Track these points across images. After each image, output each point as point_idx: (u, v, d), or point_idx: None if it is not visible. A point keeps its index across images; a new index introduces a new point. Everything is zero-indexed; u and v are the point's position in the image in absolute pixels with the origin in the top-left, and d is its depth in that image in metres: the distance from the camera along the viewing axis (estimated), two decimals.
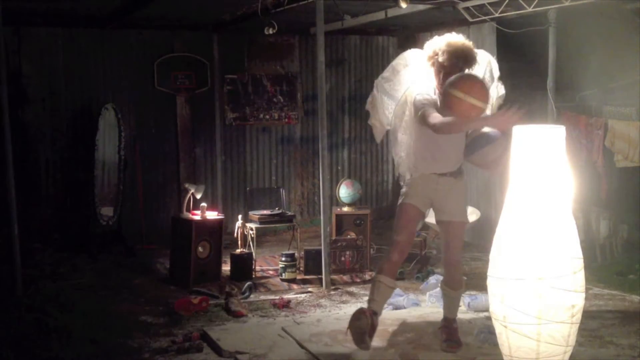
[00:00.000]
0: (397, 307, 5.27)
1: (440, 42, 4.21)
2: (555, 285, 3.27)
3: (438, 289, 5.38)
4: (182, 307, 5.27)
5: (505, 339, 3.41)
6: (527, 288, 3.28)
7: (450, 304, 4.46)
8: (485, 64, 4.49)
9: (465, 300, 5.12)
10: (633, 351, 4.36)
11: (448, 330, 4.39)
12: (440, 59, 4.17)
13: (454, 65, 4.15)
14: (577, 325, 3.40)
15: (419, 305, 5.33)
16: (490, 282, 3.49)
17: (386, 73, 4.51)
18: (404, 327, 4.75)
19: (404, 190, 4.42)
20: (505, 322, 3.37)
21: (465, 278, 4.69)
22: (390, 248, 4.39)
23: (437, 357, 4.22)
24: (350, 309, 5.35)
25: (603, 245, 6.62)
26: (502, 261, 3.40)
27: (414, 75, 4.41)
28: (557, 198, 3.33)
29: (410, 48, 4.62)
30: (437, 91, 4.26)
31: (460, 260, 4.44)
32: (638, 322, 4.96)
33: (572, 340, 3.41)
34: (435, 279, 5.55)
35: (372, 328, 4.19)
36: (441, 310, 4.60)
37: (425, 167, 4.32)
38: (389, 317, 4.94)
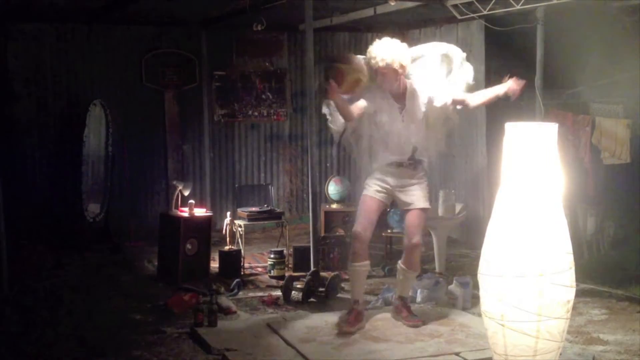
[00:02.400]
0: (387, 303, 5.28)
1: (376, 50, 4.54)
2: (555, 281, 3.29)
3: (427, 282, 5.41)
4: (175, 305, 5.25)
5: (501, 337, 3.39)
6: (528, 285, 3.28)
7: (406, 284, 4.84)
8: (439, 59, 4.78)
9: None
10: (619, 347, 4.40)
11: (406, 307, 4.78)
12: (378, 63, 4.51)
13: (391, 69, 4.52)
14: (569, 321, 3.43)
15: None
16: (484, 280, 3.47)
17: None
18: (392, 322, 4.76)
19: (365, 181, 4.78)
20: (503, 321, 3.36)
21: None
22: (352, 240, 4.73)
23: (429, 349, 4.24)
24: (338, 305, 5.35)
25: (590, 242, 6.66)
26: (498, 259, 3.38)
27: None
28: (551, 194, 3.35)
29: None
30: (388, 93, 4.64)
31: (420, 244, 4.73)
32: (624, 318, 5.00)
33: (565, 335, 3.43)
34: (428, 277, 5.57)
35: (357, 315, 4.60)
36: (432, 306, 4.87)
37: (382, 158, 4.67)
38: (377, 313, 4.96)
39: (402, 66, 4.55)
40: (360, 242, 4.67)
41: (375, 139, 4.72)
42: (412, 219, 4.71)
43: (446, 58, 4.79)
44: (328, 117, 4.94)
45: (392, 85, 4.61)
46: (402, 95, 4.65)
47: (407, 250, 4.74)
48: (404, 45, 4.64)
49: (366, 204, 4.72)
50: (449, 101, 4.67)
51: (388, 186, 4.69)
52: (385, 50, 4.53)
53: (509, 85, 4.64)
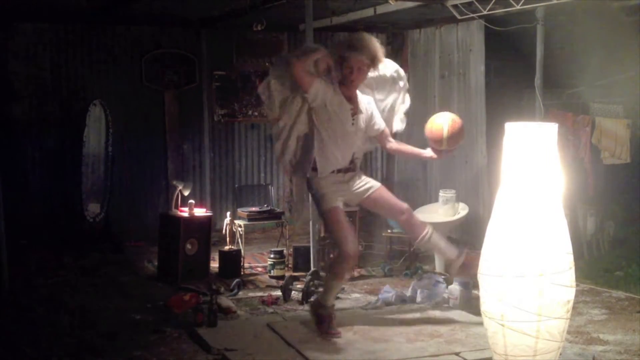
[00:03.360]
0: (387, 304, 5.28)
1: (358, 41, 4.45)
2: (555, 281, 3.29)
3: (426, 282, 5.41)
4: (175, 305, 5.25)
5: (501, 337, 3.39)
6: (528, 285, 3.28)
7: (441, 245, 4.70)
8: (389, 79, 4.74)
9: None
10: (619, 347, 4.40)
11: (462, 256, 4.65)
12: (370, 60, 4.43)
13: (365, 65, 4.43)
14: (569, 321, 3.43)
15: (406, 301, 5.34)
16: (484, 281, 3.47)
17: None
18: (392, 322, 4.76)
19: (319, 194, 4.54)
20: (503, 321, 3.36)
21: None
22: (345, 260, 4.47)
23: (429, 349, 4.24)
24: (338, 305, 5.34)
25: (590, 242, 6.66)
26: (499, 259, 3.38)
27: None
28: (550, 194, 3.35)
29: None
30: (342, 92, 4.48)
31: (407, 207, 4.66)
32: (624, 318, 5.00)
33: (565, 335, 3.44)
34: (428, 277, 5.57)
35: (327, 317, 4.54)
36: (429, 308, 4.86)
37: (330, 166, 4.50)
38: (379, 312, 4.96)
39: (369, 67, 4.47)
40: (355, 260, 4.60)
41: (321, 149, 4.45)
42: (383, 195, 4.66)
43: (393, 80, 4.72)
44: (265, 99, 4.51)
45: (356, 85, 4.48)
46: (354, 100, 4.51)
47: (406, 222, 4.66)
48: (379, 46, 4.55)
49: (339, 217, 4.49)
50: (381, 129, 4.64)
51: (344, 192, 4.59)
52: (379, 49, 4.46)
53: (431, 155, 4.64)
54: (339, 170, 4.54)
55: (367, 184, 4.66)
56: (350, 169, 4.61)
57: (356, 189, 4.64)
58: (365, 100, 4.61)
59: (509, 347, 3.37)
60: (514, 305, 3.30)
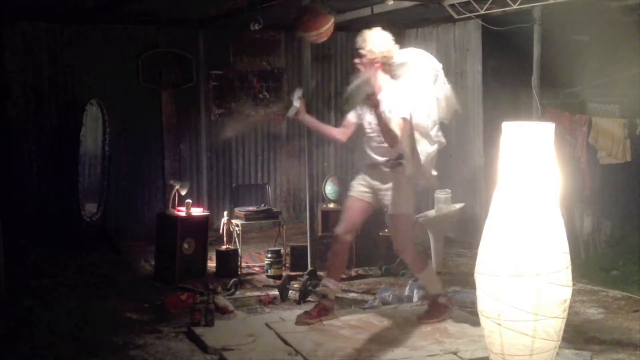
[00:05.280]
0: (384, 303, 5.28)
1: (365, 36, 4.59)
2: (551, 281, 3.29)
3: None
4: (172, 304, 5.25)
5: (498, 337, 3.39)
6: (524, 284, 3.28)
7: (425, 285, 4.87)
8: (423, 68, 4.67)
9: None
10: (616, 346, 4.40)
11: (430, 305, 4.80)
12: (363, 51, 4.57)
13: (373, 60, 4.55)
14: (566, 320, 3.43)
15: (404, 301, 5.35)
16: (481, 280, 3.48)
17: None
18: (390, 322, 4.77)
19: (351, 183, 4.80)
20: (500, 320, 3.36)
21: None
22: (333, 242, 4.84)
23: (429, 349, 4.25)
24: (335, 305, 5.35)
25: (587, 242, 6.67)
26: (495, 258, 3.39)
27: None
28: (547, 194, 3.35)
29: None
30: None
31: (405, 248, 4.69)
32: (621, 317, 5.01)
33: (561, 334, 3.44)
34: None
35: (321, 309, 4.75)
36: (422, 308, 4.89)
37: (363, 158, 4.69)
38: (376, 312, 4.96)
39: (383, 59, 4.51)
40: (339, 244, 4.72)
41: (357, 142, 4.76)
42: (392, 225, 4.76)
43: (427, 69, 4.68)
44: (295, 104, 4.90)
45: (370, 78, 4.50)
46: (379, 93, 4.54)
47: (400, 256, 4.82)
48: (392, 42, 4.58)
49: (349, 205, 4.73)
50: (396, 116, 4.50)
51: (370, 187, 4.68)
52: (373, 39, 4.54)
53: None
54: (370, 165, 4.65)
55: (388, 200, 4.61)
56: (380, 167, 4.60)
57: (379, 193, 4.65)
58: (392, 92, 4.54)
59: (506, 347, 3.38)
60: (511, 304, 3.30)
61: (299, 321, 4.68)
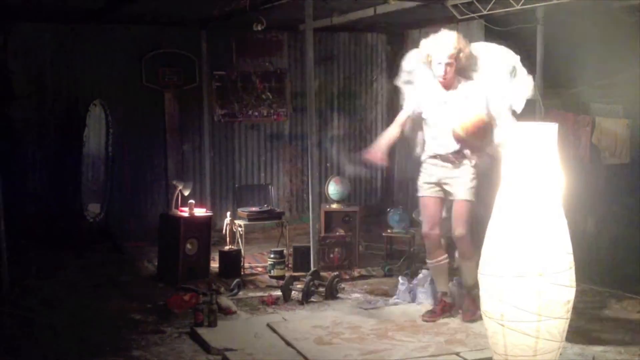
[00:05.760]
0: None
1: (441, 38, 4.68)
2: (555, 281, 3.28)
3: (422, 280, 5.40)
4: (175, 305, 5.25)
5: (501, 337, 3.38)
6: (528, 285, 3.27)
7: (465, 274, 4.87)
8: (500, 62, 4.84)
9: None
10: (619, 347, 4.39)
11: (469, 299, 4.82)
12: (454, 53, 4.64)
13: (453, 60, 4.66)
14: (569, 321, 3.43)
15: (406, 301, 5.34)
16: (484, 280, 3.47)
17: (407, 67, 4.97)
18: (392, 322, 4.76)
19: (419, 178, 4.91)
20: (503, 321, 3.35)
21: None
22: (424, 240, 4.98)
23: (429, 349, 4.24)
24: (338, 305, 5.36)
25: (590, 242, 6.65)
26: (499, 259, 3.38)
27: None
28: (550, 194, 3.35)
29: (399, 45, 4.75)
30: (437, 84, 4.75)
31: (463, 235, 4.79)
32: (624, 318, 5.00)
33: (564, 335, 3.43)
34: (423, 273, 5.56)
35: (445, 306, 4.88)
36: (431, 305, 4.97)
37: (427, 149, 4.81)
38: (378, 312, 4.96)
39: (466, 59, 4.67)
40: (429, 240, 4.87)
41: (424, 131, 4.86)
42: (454, 210, 4.81)
43: (506, 64, 4.82)
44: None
45: (452, 78, 4.69)
46: (451, 88, 4.73)
47: (455, 241, 4.87)
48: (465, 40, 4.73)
49: (423, 205, 4.89)
50: (497, 113, 4.67)
51: (435, 180, 4.81)
52: (460, 41, 4.64)
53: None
54: (437, 156, 4.79)
55: (454, 188, 4.76)
56: (447, 158, 4.73)
57: (444, 183, 4.78)
58: (470, 90, 4.71)
59: (509, 347, 3.37)
60: (514, 305, 3.30)
61: (424, 319, 4.82)
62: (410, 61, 4.95)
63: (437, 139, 4.77)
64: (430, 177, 4.84)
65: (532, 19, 6.26)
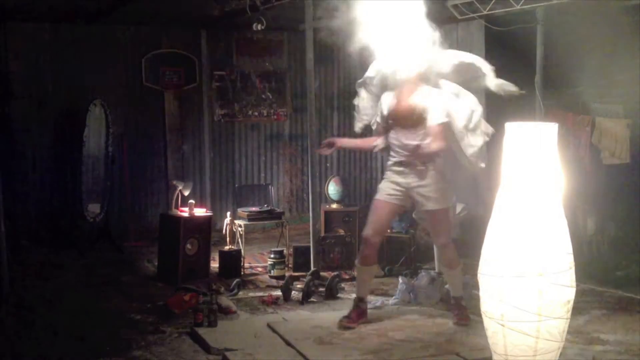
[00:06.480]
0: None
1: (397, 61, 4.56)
2: (555, 281, 3.28)
3: (421, 281, 5.39)
4: (175, 305, 5.25)
5: (502, 337, 3.38)
6: (528, 285, 3.27)
7: (451, 282, 4.81)
8: (454, 68, 4.69)
9: None
10: (619, 347, 4.39)
11: (457, 307, 4.75)
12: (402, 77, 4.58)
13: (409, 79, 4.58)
14: (569, 321, 3.43)
15: (406, 301, 5.34)
16: (484, 281, 3.47)
17: (370, 74, 4.88)
18: (392, 322, 4.77)
19: (379, 185, 4.77)
20: (503, 321, 3.35)
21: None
22: (362, 243, 4.82)
23: (429, 349, 4.24)
24: (338, 305, 5.36)
25: (590, 242, 6.66)
26: (499, 259, 3.38)
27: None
28: (550, 194, 3.34)
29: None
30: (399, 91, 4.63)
31: (448, 242, 4.71)
32: (624, 318, 5.00)
33: (565, 335, 3.43)
34: (423, 274, 5.56)
35: (359, 313, 4.73)
36: (429, 308, 4.93)
37: (390, 157, 4.67)
38: (379, 312, 4.96)
39: (418, 75, 4.57)
40: (367, 246, 4.69)
41: (388, 140, 4.72)
42: (429, 220, 4.71)
43: (462, 68, 4.69)
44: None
45: (409, 92, 4.59)
46: (409, 96, 4.60)
47: (439, 250, 4.80)
48: (418, 49, 4.56)
49: (375, 208, 4.70)
50: (434, 124, 4.51)
51: (400, 187, 4.62)
52: (408, 62, 4.51)
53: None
54: (398, 163, 4.64)
55: (422, 197, 4.57)
56: (409, 165, 4.57)
57: (412, 191, 4.59)
58: (429, 94, 4.57)
59: (509, 347, 3.37)
60: (514, 305, 3.30)
61: (340, 326, 4.63)
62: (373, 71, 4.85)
63: (402, 146, 4.59)
64: (394, 184, 4.63)
65: (533, 19, 6.26)
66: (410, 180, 4.59)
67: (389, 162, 4.71)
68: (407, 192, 4.62)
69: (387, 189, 4.65)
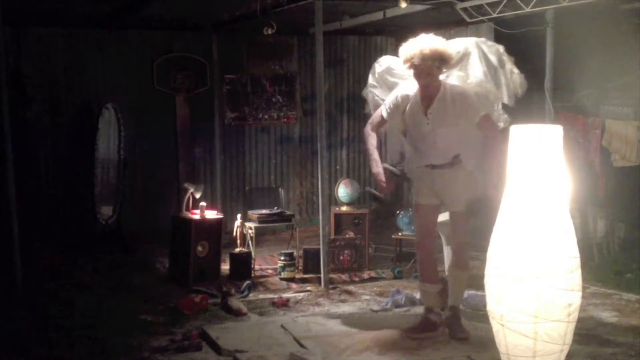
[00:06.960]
0: (397, 306, 5.29)
1: (413, 45, 4.31)
2: (553, 284, 3.29)
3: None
4: (186, 306, 5.29)
5: (503, 337, 3.42)
6: (525, 287, 3.29)
7: (456, 287, 4.62)
8: (482, 58, 4.53)
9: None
10: (630, 350, 4.39)
11: (453, 322, 4.54)
12: (416, 61, 4.27)
13: (431, 67, 4.28)
14: (574, 324, 3.42)
15: (416, 303, 5.34)
16: (488, 281, 3.50)
17: (372, 81, 4.85)
18: (402, 325, 4.78)
19: (412, 187, 4.71)
20: (503, 321, 3.39)
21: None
22: (416, 251, 4.72)
23: (439, 352, 4.25)
24: (348, 307, 5.39)
25: (600, 245, 6.65)
26: (499, 260, 3.41)
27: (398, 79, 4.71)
28: (555, 197, 3.35)
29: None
30: (419, 93, 4.42)
31: (464, 243, 4.61)
32: (634, 320, 4.99)
33: (569, 338, 3.43)
34: None
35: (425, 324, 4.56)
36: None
37: (417, 160, 4.56)
38: (389, 315, 4.97)
39: (440, 66, 4.31)
40: (423, 251, 4.62)
41: (409, 142, 4.61)
42: (455, 220, 4.59)
43: (487, 58, 4.52)
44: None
45: (428, 84, 4.34)
46: (432, 97, 4.38)
47: (454, 250, 4.68)
48: (444, 41, 4.38)
49: (419, 213, 4.63)
50: (476, 121, 4.36)
51: (431, 189, 4.53)
52: (424, 46, 4.25)
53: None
54: (423, 167, 4.52)
55: (447, 198, 4.51)
56: (436, 167, 4.45)
57: (439, 191, 4.51)
58: (454, 93, 4.36)
59: (510, 347, 3.41)
60: (512, 306, 3.33)
61: (404, 335, 4.49)
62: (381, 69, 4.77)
63: (427, 147, 4.45)
64: (425, 184, 4.54)
65: (542, 21, 6.26)
66: (435, 181, 4.49)
67: (415, 165, 4.57)
68: (436, 192, 4.54)
69: (422, 191, 4.56)
